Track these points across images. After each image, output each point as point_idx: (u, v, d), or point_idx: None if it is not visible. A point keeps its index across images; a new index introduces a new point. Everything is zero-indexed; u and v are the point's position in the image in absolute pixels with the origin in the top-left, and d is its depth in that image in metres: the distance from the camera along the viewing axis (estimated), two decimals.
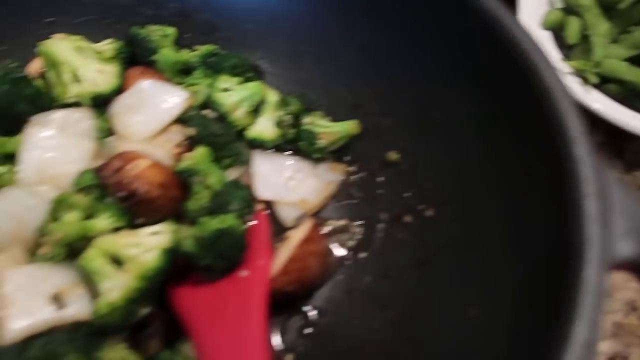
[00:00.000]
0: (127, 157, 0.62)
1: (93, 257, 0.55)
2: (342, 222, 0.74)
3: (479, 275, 0.59)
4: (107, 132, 0.70)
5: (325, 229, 0.73)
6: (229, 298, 0.59)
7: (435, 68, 0.68)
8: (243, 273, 0.61)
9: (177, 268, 0.59)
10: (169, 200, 0.63)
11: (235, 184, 0.65)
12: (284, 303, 0.64)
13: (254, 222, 0.64)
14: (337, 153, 0.77)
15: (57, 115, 0.67)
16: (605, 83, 0.84)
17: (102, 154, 0.67)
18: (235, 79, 0.75)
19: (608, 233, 0.45)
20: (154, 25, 0.78)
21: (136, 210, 0.60)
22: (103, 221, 0.58)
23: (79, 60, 0.71)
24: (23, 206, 0.59)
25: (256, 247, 0.63)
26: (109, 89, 0.72)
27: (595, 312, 0.41)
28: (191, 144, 0.69)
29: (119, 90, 0.72)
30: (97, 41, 0.76)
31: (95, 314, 0.54)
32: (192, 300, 0.60)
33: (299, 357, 0.65)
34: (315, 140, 0.74)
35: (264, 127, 0.75)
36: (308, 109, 0.77)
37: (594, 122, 0.81)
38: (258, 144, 0.74)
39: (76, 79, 0.71)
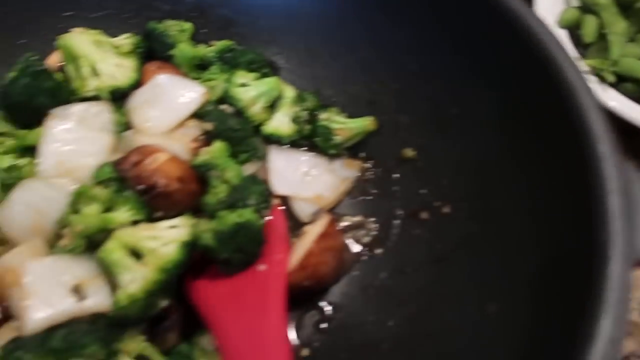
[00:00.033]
0: (146, 151, 0.62)
1: (113, 250, 0.56)
2: (357, 218, 0.74)
3: (497, 272, 0.59)
4: (125, 126, 0.70)
5: (341, 225, 0.73)
6: (247, 292, 0.59)
7: (453, 65, 0.68)
8: (261, 267, 0.61)
9: (194, 262, 0.59)
10: (186, 194, 0.63)
11: (253, 179, 0.65)
12: (300, 298, 0.64)
13: (271, 217, 0.64)
14: (353, 149, 0.77)
15: (77, 108, 0.68)
16: (622, 82, 0.84)
17: (119, 147, 0.68)
18: (252, 75, 0.76)
19: (631, 229, 0.45)
20: (171, 20, 0.79)
21: (154, 204, 0.61)
22: (122, 214, 0.58)
23: (97, 54, 0.72)
24: (43, 198, 0.60)
25: (273, 241, 0.63)
26: (127, 83, 0.72)
27: (620, 308, 0.41)
28: (208, 138, 0.69)
29: (137, 84, 0.73)
30: (115, 35, 0.76)
31: (115, 305, 0.54)
32: (211, 294, 0.60)
33: (315, 351, 0.65)
34: (331, 136, 0.74)
35: (281, 123, 0.75)
36: (324, 105, 0.77)
37: (610, 120, 0.80)
38: (274, 140, 0.74)
39: (95, 72, 0.71)
